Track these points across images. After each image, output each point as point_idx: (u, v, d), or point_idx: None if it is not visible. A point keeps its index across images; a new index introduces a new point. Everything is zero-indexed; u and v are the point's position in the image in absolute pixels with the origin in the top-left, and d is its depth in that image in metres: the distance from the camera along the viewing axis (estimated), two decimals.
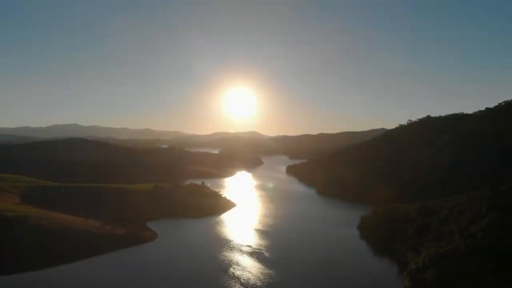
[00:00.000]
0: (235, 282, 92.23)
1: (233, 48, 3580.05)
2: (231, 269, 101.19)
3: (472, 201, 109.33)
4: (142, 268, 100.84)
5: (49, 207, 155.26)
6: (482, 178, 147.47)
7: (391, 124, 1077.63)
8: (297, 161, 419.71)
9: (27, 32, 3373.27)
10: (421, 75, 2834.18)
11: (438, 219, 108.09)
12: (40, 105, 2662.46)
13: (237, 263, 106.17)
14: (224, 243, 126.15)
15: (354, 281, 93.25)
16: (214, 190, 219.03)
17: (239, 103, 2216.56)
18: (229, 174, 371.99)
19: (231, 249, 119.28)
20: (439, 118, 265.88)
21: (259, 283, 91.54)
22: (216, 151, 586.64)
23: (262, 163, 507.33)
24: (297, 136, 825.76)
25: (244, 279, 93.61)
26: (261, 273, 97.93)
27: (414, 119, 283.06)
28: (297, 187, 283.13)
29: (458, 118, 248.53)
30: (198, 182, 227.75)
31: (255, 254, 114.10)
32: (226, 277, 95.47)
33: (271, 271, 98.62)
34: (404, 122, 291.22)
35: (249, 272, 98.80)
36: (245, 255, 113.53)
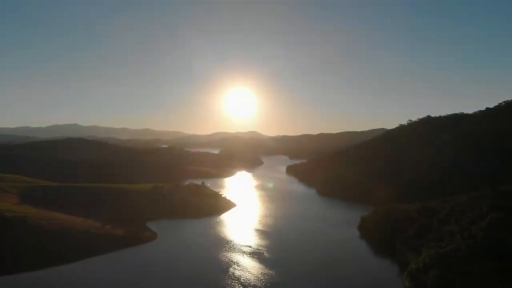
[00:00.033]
0: (235, 282, 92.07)
1: (233, 48, 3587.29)
2: (231, 269, 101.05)
3: (473, 201, 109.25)
4: (142, 268, 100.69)
5: (48, 207, 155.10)
6: (482, 178, 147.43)
7: (391, 124, 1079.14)
8: (297, 161, 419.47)
9: (27, 32, 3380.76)
10: (421, 75, 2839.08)
11: (439, 219, 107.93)
12: (40, 105, 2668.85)
13: (237, 263, 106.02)
14: (224, 243, 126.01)
15: (354, 281, 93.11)
16: (214, 190, 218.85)
17: (239, 103, 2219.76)
18: (229, 174, 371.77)
19: (231, 249, 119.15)
20: (439, 118, 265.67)
21: (259, 283, 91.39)
22: (216, 151, 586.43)
23: (262, 163, 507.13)
24: (297, 136, 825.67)
25: (244, 279, 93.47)
26: (261, 273, 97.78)
27: (414, 119, 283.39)
28: (297, 187, 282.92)
29: (458, 118, 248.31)
30: (198, 182, 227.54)
31: (255, 254, 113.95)
32: (226, 277, 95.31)
33: (271, 271, 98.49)
34: (404, 122, 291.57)
35: (249, 272, 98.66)
36: (245, 255, 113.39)
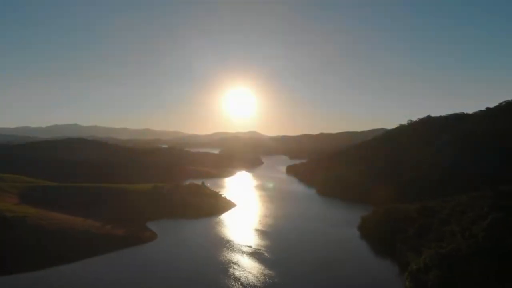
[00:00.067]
0: (235, 282, 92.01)
1: (233, 48, 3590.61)
2: (231, 269, 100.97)
3: (473, 201, 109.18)
4: (142, 268, 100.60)
5: (48, 207, 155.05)
6: (482, 178, 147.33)
7: (391, 124, 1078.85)
8: (297, 161, 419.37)
9: (27, 32, 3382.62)
10: (421, 75, 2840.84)
11: (439, 219, 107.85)
12: (40, 105, 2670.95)
13: (237, 263, 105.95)
14: (224, 244, 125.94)
15: (354, 281, 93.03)
16: (214, 190, 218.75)
17: (239, 103, 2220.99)
18: (229, 174, 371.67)
19: (231, 250, 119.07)
20: (440, 118, 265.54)
21: (259, 283, 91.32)
22: (216, 151, 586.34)
23: (262, 163, 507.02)
24: (297, 136, 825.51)
25: (244, 280, 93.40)
26: (261, 273, 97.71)
27: (414, 119, 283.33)
28: (297, 187, 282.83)
29: (458, 118, 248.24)
30: (198, 182, 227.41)
31: (255, 254, 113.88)
32: (226, 277, 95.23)
33: (271, 271, 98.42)
34: (404, 122, 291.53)
35: (249, 272, 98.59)
36: (245, 255, 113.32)
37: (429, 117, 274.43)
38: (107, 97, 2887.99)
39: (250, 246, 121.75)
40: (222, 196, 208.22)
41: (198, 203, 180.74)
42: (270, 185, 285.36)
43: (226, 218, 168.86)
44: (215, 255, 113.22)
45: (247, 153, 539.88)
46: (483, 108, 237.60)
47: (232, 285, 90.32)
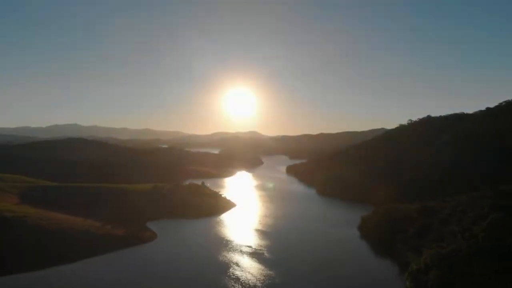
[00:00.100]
0: (235, 282, 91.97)
1: (233, 48, 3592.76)
2: (231, 269, 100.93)
3: (473, 201, 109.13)
4: (142, 269, 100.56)
5: (48, 207, 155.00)
6: (482, 178, 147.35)
7: (391, 124, 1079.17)
8: (297, 161, 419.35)
9: (27, 32, 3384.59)
10: (421, 75, 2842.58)
11: (439, 220, 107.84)
12: (40, 105, 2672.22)
13: (237, 263, 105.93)
14: (224, 244, 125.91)
15: (354, 281, 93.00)
16: (214, 190, 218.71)
17: (239, 103, 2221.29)
18: (229, 174, 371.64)
19: (231, 250, 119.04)
20: (440, 118, 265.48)
21: (259, 283, 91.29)
22: (216, 151, 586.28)
23: (262, 163, 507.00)
24: (297, 136, 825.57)
25: (244, 280, 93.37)
26: (261, 273, 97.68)
27: (414, 119, 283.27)
28: (297, 187, 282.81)
29: (458, 118, 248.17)
30: (198, 182, 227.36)
31: (255, 254, 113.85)
32: (226, 277, 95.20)
33: (271, 272, 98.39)
34: (404, 122, 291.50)
35: (249, 272, 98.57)
36: (245, 255, 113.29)
37: (429, 117, 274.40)
38: (107, 97, 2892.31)
39: (250, 246, 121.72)
40: (222, 196, 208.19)
41: (198, 203, 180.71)
42: (270, 185, 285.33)
43: (226, 218, 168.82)
44: (215, 255, 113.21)
45: (247, 153, 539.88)
46: (483, 108, 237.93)
47: (232, 285, 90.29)
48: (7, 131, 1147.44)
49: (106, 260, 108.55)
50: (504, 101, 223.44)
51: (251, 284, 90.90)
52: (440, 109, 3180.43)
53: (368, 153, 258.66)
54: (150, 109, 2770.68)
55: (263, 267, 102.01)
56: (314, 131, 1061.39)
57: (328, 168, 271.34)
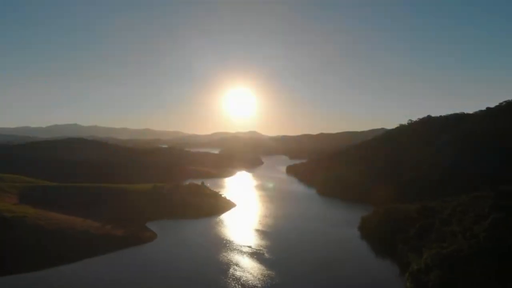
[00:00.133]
0: (235, 282, 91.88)
1: (233, 48, 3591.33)
2: (231, 269, 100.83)
3: (474, 201, 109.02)
4: (142, 269, 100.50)
5: (48, 207, 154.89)
6: (482, 178, 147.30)
7: (391, 124, 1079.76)
8: (297, 161, 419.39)
9: (27, 32, 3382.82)
10: (421, 75, 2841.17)
11: (440, 220, 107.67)
12: (40, 105, 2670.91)
13: (237, 263, 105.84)
14: (224, 244, 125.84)
15: (354, 281, 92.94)
16: (214, 190, 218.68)
17: (239, 103, 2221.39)
18: (229, 174, 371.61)
19: (231, 250, 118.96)
20: (440, 118, 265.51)
21: (259, 283, 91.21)
22: (216, 151, 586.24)
23: (262, 163, 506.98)
24: (297, 136, 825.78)
25: (244, 280, 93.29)
26: (261, 273, 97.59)
27: (414, 119, 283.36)
28: (297, 187, 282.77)
29: (458, 118, 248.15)
30: (198, 182, 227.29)
31: (255, 254, 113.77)
32: (226, 277, 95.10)
33: (271, 272, 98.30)
34: (404, 122, 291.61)
35: (249, 272, 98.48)
36: (245, 255, 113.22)
37: (429, 117, 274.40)
38: (107, 97, 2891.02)
39: (250, 246, 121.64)
40: (222, 196, 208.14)
41: (198, 203, 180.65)
42: (270, 185, 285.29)
43: (226, 218, 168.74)
44: (215, 255, 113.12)
45: (247, 153, 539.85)
46: (483, 108, 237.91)
47: (232, 285, 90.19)
48: (7, 131, 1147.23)
49: (106, 260, 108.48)
50: (504, 101, 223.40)
51: (251, 284, 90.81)
52: (440, 109, 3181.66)
53: (368, 153, 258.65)
54: (150, 109, 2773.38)
55: (263, 267, 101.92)
56: (314, 131, 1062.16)
57: (328, 168, 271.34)
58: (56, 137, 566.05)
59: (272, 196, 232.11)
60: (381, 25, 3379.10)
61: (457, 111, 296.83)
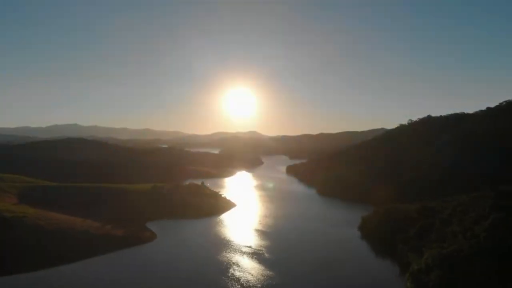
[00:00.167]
0: (235, 282, 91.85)
1: (233, 48, 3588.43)
2: (231, 269, 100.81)
3: (474, 201, 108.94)
4: (142, 269, 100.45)
5: (48, 207, 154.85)
6: (482, 178, 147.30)
7: (391, 124, 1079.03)
8: (297, 161, 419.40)
9: (27, 32, 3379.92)
10: (421, 75, 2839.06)
11: (440, 220, 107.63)
12: (40, 105, 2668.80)
13: (237, 263, 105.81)
14: (224, 244, 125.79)
15: (354, 281, 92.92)
16: (214, 190, 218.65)
17: (239, 103, 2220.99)
18: (229, 174, 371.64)
19: (231, 250, 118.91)
20: (440, 118, 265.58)
21: (259, 283, 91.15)
22: (216, 151, 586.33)
23: (262, 163, 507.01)
24: (297, 136, 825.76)
25: (244, 280, 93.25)
26: (261, 273, 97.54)
27: (414, 119, 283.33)
28: (297, 187, 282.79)
29: (458, 118, 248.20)
30: (198, 182, 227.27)
31: (255, 254, 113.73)
32: (226, 277, 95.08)
33: (271, 272, 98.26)
34: (404, 122, 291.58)
35: (249, 272, 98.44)
36: (245, 255, 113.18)
37: (429, 117, 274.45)
38: (107, 97, 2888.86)
39: (250, 246, 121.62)
40: (222, 196, 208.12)
41: (198, 203, 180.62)
42: (270, 185, 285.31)
43: (226, 218, 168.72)
44: (215, 255, 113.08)
45: (247, 153, 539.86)
46: (483, 108, 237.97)
47: (232, 286, 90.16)
48: (7, 131, 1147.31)
49: (106, 260, 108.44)
50: (504, 101, 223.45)
51: (251, 284, 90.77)
52: (440, 109, 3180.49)
53: (368, 153, 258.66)
54: (150, 109, 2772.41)
55: (263, 267, 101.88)
56: (314, 131, 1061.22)
57: (328, 168, 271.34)
58: (56, 137, 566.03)
59: (272, 196, 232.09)
60: (381, 25, 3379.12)
61: (457, 111, 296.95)
